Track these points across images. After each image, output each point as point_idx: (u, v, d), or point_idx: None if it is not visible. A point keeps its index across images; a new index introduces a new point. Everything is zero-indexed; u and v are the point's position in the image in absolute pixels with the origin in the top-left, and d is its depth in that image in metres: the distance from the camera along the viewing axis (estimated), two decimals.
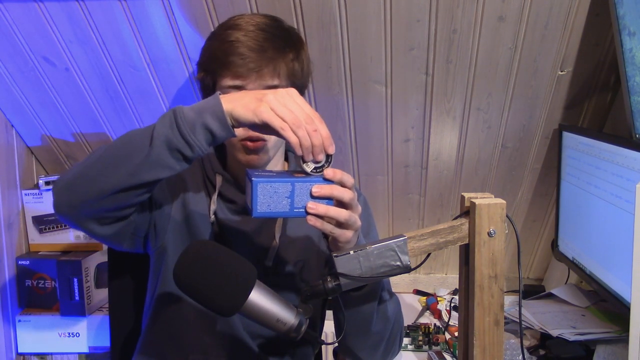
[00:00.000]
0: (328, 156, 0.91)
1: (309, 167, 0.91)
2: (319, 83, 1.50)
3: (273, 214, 0.89)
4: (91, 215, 0.97)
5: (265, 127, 0.89)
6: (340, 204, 0.90)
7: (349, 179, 0.91)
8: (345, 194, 0.90)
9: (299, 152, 0.89)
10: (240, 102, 0.90)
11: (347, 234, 0.92)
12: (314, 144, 0.89)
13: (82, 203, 0.94)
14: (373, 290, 1.00)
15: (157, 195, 1.12)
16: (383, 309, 1.04)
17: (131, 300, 1.32)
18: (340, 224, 0.91)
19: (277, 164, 1.18)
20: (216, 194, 1.14)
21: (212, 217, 1.13)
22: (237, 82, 1.06)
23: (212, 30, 1.17)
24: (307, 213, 0.89)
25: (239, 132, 1.05)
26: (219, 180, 1.15)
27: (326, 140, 0.90)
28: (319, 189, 0.89)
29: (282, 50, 1.07)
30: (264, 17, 1.11)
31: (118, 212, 0.99)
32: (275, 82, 1.07)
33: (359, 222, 0.93)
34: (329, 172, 0.90)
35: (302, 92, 1.15)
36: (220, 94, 0.93)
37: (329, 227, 0.90)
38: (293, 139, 0.88)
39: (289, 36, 1.11)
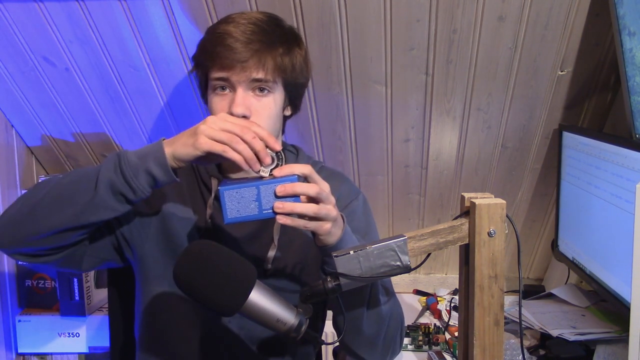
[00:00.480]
0: (278, 155, 0.94)
1: (265, 173, 0.95)
2: (319, 83, 1.50)
3: (244, 219, 0.92)
4: (31, 251, 1.01)
5: (210, 157, 0.93)
6: (310, 198, 0.92)
7: (302, 169, 0.92)
8: (310, 189, 0.91)
9: (246, 167, 0.92)
10: (179, 142, 0.95)
11: (324, 226, 0.93)
12: (256, 149, 0.92)
13: (23, 240, 0.98)
14: (360, 293, 1.00)
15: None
16: (376, 310, 1.04)
17: (131, 300, 1.32)
18: (312, 218, 0.92)
19: None
20: (212, 197, 1.13)
21: (209, 221, 1.12)
22: (223, 74, 1.05)
23: None
24: (275, 213, 0.90)
25: None
26: (214, 183, 1.14)
27: (268, 140, 0.93)
28: (282, 188, 0.90)
29: (270, 43, 1.06)
30: (262, 14, 1.11)
31: (57, 249, 1.02)
32: (261, 74, 1.05)
33: (333, 213, 0.93)
34: (276, 171, 0.92)
35: (297, 91, 1.14)
36: (163, 139, 0.97)
37: (301, 223, 0.92)
38: (236, 157, 0.91)
39: (283, 33, 1.10)
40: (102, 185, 0.94)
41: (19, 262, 1.74)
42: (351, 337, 1.06)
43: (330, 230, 0.94)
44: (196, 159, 0.94)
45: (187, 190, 1.15)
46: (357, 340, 1.06)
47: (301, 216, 0.92)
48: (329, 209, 0.92)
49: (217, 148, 0.92)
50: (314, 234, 0.95)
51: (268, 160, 0.93)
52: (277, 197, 0.90)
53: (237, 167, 1.13)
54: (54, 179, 1.01)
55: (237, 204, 0.91)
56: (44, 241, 0.98)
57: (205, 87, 1.12)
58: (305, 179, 0.93)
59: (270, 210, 0.91)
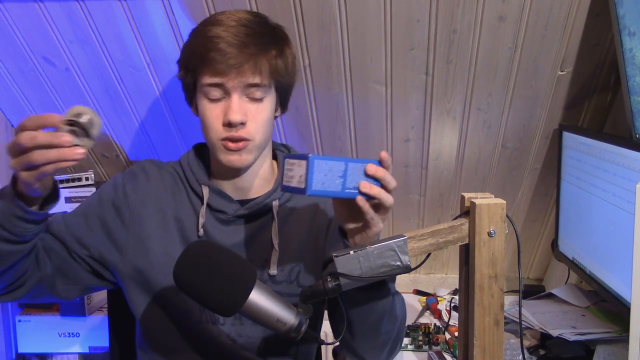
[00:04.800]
0: (71, 123, 0.84)
1: (83, 142, 0.84)
2: (319, 83, 1.50)
3: (326, 193, 0.88)
4: None
5: (45, 178, 0.86)
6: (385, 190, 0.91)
7: (382, 154, 0.91)
8: (392, 182, 0.90)
9: (65, 165, 0.83)
10: (19, 181, 0.87)
11: (380, 225, 0.92)
12: (47, 144, 0.81)
13: None
14: (389, 289, 0.99)
15: (88, 238, 1.10)
16: (393, 308, 1.03)
17: None
18: (378, 210, 0.91)
19: (263, 163, 1.15)
20: (204, 206, 1.11)
21: (201, 230, 1.10)
22: (217, 80, 1.02)
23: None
24: (360, 192, 0.88)
25: (219, 130, 1.04)
26: (205, 191, 1.11)
27: (45, 122, 0.83)
28: (373, 168, 0.88)
29: (264, 46, 1.04)
30: (248, 13, 1.08)
31: (9, 287, 1.01)
32: (257, 79, 1.03)
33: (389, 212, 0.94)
34: (371, 168, 0.89)
35: (287, 92, 1.13)
36: (13, 176, 0.89)
37: (372, 212, 0.90)
38: (51, 168, 0.82)
39: (273, 32, 1.08)
40: None
41: None
42: (366, 338, 1.03)
43: (379, 231, 0.93)
44: (31, 182, 0.85)
45: (173, 202, 1.13)
46: (371, 341, 1.04)
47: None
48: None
49: (32, 175, 0.83)
50: (354, 229, 0.94)
51: (65, 139, 0.81)
52: (365, 176, 0.89)
53: (228, 171, 1.12)
54: None
55: (324, 176, 0.86)
56: None
57: (192, 92, 1.09)
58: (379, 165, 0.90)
59: (354, 190, 0.89)
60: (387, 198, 0.90)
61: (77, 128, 0.83)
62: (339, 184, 0.88)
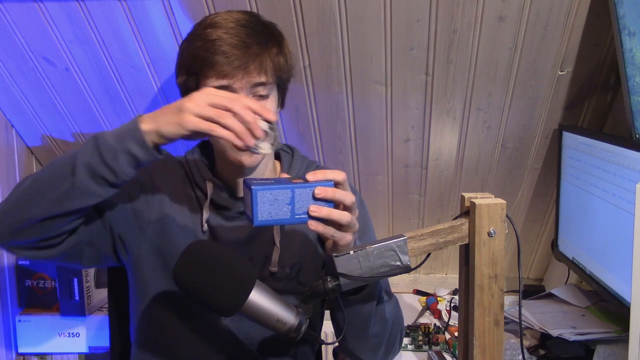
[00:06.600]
0: (272, 128, 0.93)
1: (263, 150, 0.93)
2: (319, 83, 1.50)
3: (274, 222, 0.88)
4: (27, 243, 0.98)
5: (199, 135, 0.91)
6: (341, 207, 0.89)
7: (336, 175, 0.90)
8: (348, 197, 0.89)
9: (239, 143, 0.89)
10: (163, 119, 0.90)
11: (347, 237, 0.91)
12: (247, 121, 0.89)
13: (13, 231, 0.95)
14: (371, 293, 0.99)
15: (118, 212, 1.09)
16: (381, 311, 1.03)
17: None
18: (340, 227, 0.90)
19: (267, 163, 1.16)
20: (208, 201, 1.11)
21: (205, 225, 1.11)
22: (224, 82, 1.03)
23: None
24: (310, 217, 0.87)
25: None
26: (209, 187, 1.12)
27: (261, 112, 0.90)
28: (322, 190, 0.87)
29: (265, 45, 1.05)
30: (242, 13, 1.09)
31: (50, 240, 0.99)
32: (263, 78, 1.04)
33: (357, 225, 0.92)
34: (309, 175, 0.89)
35: (286, 88, 1.14)
36: (139, 115, 0.92)
37: (330, 231, 0.89)
38: (225, 134, 0.88)
39: (270, 31, 1.10)
40: (80, 170, 0.91)
41: (20, 262, 1.73)
42: (356, 340, 1.05)
43: (350, 241, 0.92)
44: (182, 137, 0.91)
45: (183, 194, 1.14)
46: (362, 344, 1.06)
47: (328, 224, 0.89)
48: (356, 220, 0.91)
49: (204, 126, 0.88)
50: (330, 244, 0.93)
51: (260, 132, 0.90)
52: (314, 199, 0.87)
53: (234, 170, 1.13)
54: (40, 169, 0.99)
55: (270, 206, 0.87)
56: (34, 231, 0.95)
57: None
58: (335, 183, 0.89)
59: (304, 215, 0.87)
60: (340, 217, 0.88)
61: (269, 131, 0.93)
62: (287, 212, 0.87)
